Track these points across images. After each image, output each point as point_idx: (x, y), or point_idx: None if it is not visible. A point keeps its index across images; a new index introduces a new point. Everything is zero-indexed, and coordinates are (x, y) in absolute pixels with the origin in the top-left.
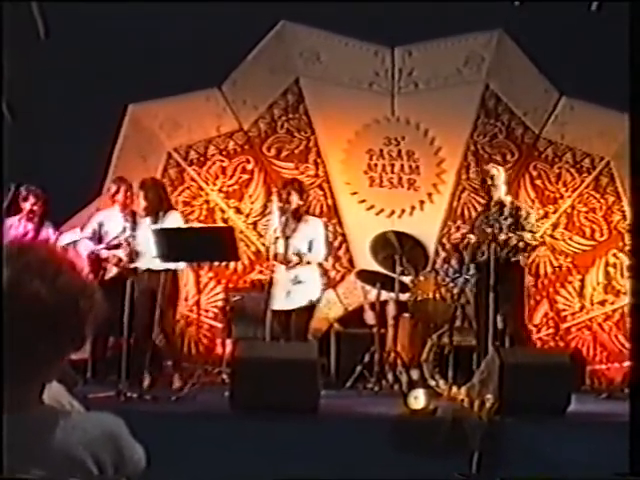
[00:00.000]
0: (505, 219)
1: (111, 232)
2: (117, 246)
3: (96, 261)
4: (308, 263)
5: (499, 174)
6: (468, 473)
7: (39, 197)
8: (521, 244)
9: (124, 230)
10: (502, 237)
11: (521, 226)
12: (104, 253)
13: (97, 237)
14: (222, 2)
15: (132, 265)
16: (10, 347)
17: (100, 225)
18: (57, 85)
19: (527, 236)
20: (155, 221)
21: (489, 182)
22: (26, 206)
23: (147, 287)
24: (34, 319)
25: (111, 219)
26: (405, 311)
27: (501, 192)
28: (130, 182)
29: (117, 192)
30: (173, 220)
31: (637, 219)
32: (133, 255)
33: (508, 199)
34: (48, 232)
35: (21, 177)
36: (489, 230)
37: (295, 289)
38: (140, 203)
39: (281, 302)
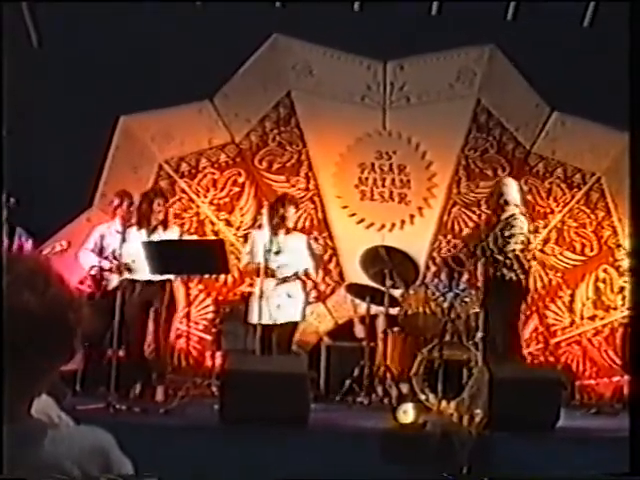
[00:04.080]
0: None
1: (112, 245)
2: (116, 258)
3: (99, 273)
4: (298, 278)
5: (512, 190)
6: (456, 473)
7: (7, 203)
8: (507, 259)
9: (123, 242)
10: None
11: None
12: (106, 265)
13: (98, 250)
14: (215, 15)
15: (127, 277)
16: None
17: (102, 237)
18: (49, 95)
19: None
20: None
21: (497, 197)
22: None
23: (142, 298)
24: (23, 331)
25: (112, 232)
26: (395, 325)
27: (508, 207)
28: (132, 195)
29: (120, 205)
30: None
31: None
32: (129, 267)
33: (510, 213)
34: (21, 238)
35: (11, 187)
36: (484, 244)
37: (281, 304)
38: (157, 211)
39: (266, 317)
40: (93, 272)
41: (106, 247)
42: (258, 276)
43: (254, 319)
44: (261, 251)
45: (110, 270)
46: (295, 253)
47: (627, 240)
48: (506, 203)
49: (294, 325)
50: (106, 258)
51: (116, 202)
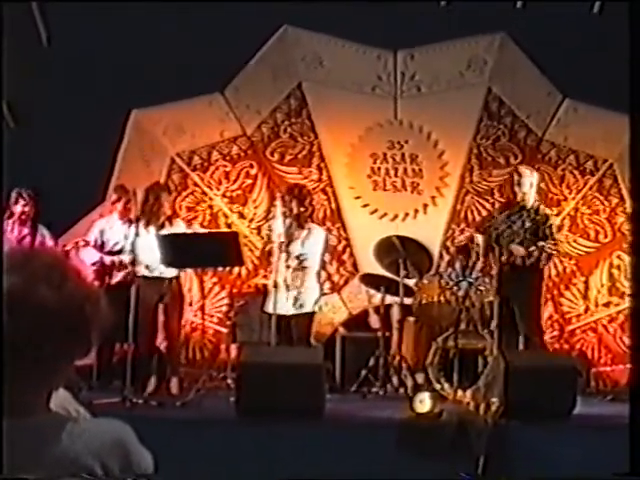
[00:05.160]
0: (525, 224)
1: (112, 239)
2: (119, 252)
3: (100, 268)
4: (304, 268)
5: (527, 177)
6: (473, 473)
7: (29, 199)
8: (539, 252)
9: (126, 237)
10: (519, 244)
11: (542, 233)
12: (107, 259)
13: (99, 244)
14: (225, 7)
15: (136, 271)
16: (17, 353)
17: (101, 232)
18: (60, 90)
19: (547, 245)
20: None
21: (515, 183)
22: (17, 209)
23: (151, 293)
24: (41, 325)
25: (112, 226)
26: (410, 315)
27: (527, 196)
28: (131, 189)
29: (117, 200)
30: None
31: (637, 223)
32: (136, 261)
33: (531, 203)
34: (43, 235)
35: (23, 183)
36: (507, 233)
37: (295, 295)
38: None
39: (282, 307)
40: (95, 268)
41: (106, 242)
42: (274, 267)
43: (270, 309)
44: (277, 242)
45: (113, 265)
46: (308, 247)
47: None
48: (522, 192)
49: (309, 317)
50: (108, 253)
51: (114, 198)
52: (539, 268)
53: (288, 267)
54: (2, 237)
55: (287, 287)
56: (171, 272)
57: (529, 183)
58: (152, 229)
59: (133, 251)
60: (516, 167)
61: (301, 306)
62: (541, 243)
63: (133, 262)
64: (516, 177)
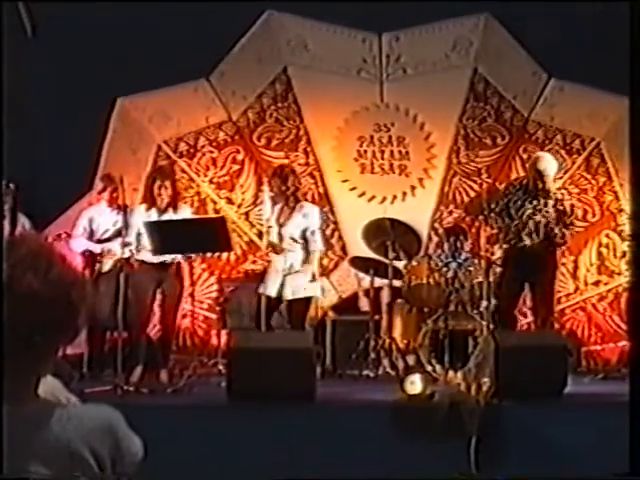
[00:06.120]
0: (549, 210)
1: (102, 227)
2: (109, 240)
3: (90, 257)
4: (306, 251)
5: (551, 163)
6: (469, 473)
7: (7, 189)
8: (559, 238)
9: (115, 224)
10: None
11: (562, 221)
12: (97, 248)
13: (88, 233)
14: None
15: (131, 258)
16: (3, 341)
17: (90, 221)
18: (44, 80)
19: (568, 232)
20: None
21: (539, 170)
22: None
23: (150, 279)
24: (27, 312)
25: (100, 214)
26: (399, 297)
27: (549, 181)
28: (118, 177)
29: (104, 190)
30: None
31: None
32: (127, 248)
33: (553, 189)
34: (24, 225)
35: (10, 174)
36: (537, 218)
37: (290, 278)
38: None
39: (276, 291)
40: (84, 256)
41: (96, 230)
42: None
43: (261, 292)
44: (273, 224)
45: (102, 254)
46: (303, 227)
47: (629, 204)
48: (546, 178)
49: (307, 301)
50: (98, 241)
51: (100, 187)
52: (555, 249)
53: (282, 250)
54: (2, 230)
55: (283, 271)
56: (171, 257)
57: (553, 171)
58: (154, 213)
59: (129, 236)
60: (540, 154)
61: (300, 290)
62: (565, 230)
63: (123, 250)
64: (540, 163)
